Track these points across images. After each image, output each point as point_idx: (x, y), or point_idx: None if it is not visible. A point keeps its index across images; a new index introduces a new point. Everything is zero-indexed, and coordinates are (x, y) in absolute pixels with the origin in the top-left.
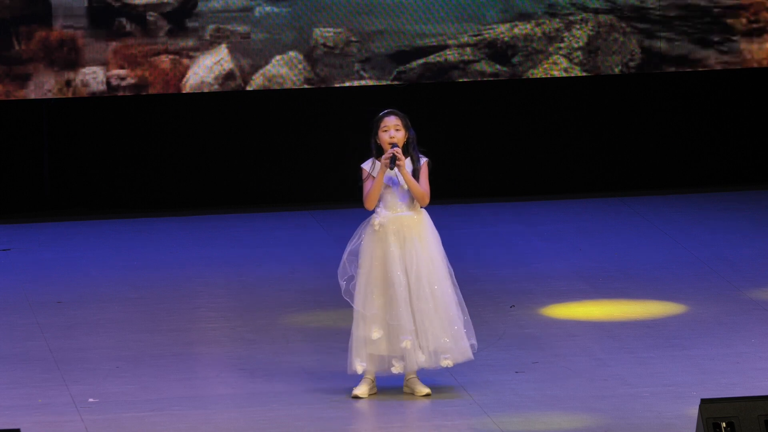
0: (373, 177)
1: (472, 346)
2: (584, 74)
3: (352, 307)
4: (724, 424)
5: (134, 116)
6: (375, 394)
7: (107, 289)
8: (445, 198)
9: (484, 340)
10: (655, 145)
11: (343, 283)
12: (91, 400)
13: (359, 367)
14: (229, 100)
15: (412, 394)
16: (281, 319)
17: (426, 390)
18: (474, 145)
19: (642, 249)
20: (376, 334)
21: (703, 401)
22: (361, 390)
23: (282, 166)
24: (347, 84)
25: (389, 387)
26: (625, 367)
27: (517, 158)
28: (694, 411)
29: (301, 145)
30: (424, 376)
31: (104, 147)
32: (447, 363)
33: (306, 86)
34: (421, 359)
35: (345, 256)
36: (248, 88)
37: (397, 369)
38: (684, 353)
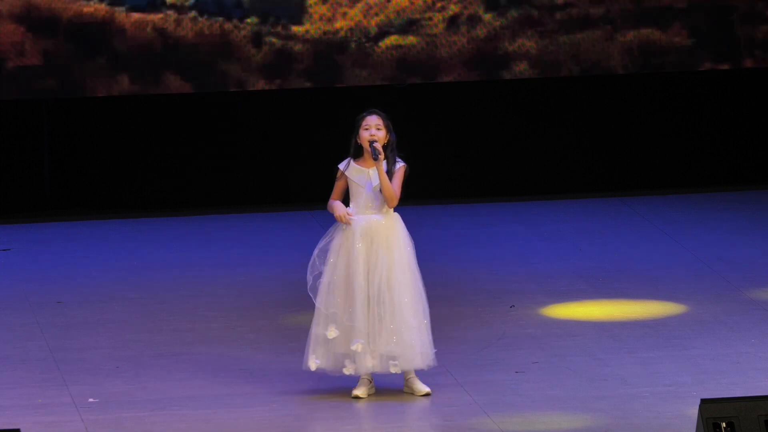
0: (346, 176)
1: (424, 354)
2: (584, 74)
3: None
4: (724, 424)
5: (134, 116)
6: (373, 393)
7: (107, 289)
8: (445, 198)
9: (484, 340)
10: (655, 145)
11: (310, 279)
12: (91, 400)
13: (313, 363)
14: (229, 100)
15: (412, 393)
16: (281, 319)
17: (426, 390)
18: (474, 145)
19: (642, 249)
20: (332, 333)
21: (703, 401)
22: (361, 390)
23: (282, 166)
24: (347, 84)
25: (389, 387)
26: (625, 367)
27: (517, 158)
28: (694, 411)
29: (301, 145)
30: (423, 376)
31: (104, 147)
32: (395, 369)
33: (306, 86)
34: (369, 364)
35: (315, 252)
36: (248, 88)
37: (348, 370)
38: (684, 353)
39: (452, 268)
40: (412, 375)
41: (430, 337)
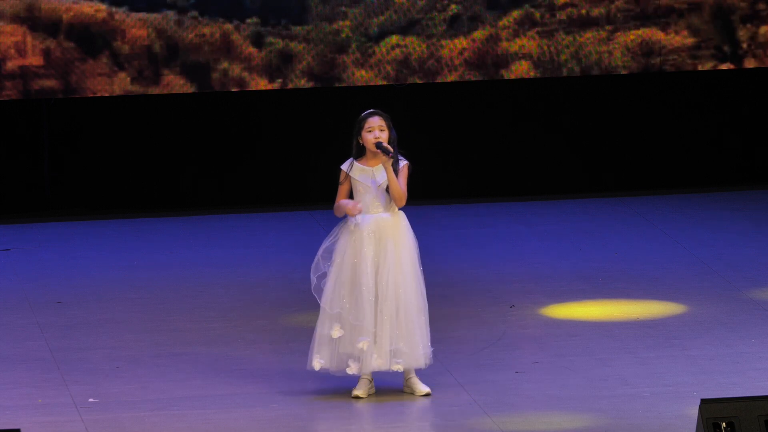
0: (350, 177)
1: (425, 354)
2: (585, 74)
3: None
4: (724, 424)
5: (134, 116)
6: (373, 393)
7: (107, 289)
8: (445, 198)
9: (484, 340)
10: (655, 145)
11: (314, 279)
12: (91, 400)
13: (317, 363)
14: (229, 100)
15: (412, 394)
16: (281, 319)
17: (426, 390)
18: (474, 145)
19: (642, 249)
20: (336, 332)
21: (703, 401)
22: (361, 390)
23: (282, 166)
24: (348, 84)
25: (389, 387)
26: (625, 367)
27: (517, 158)
28: (694, 411)
29: (301, 145)
30: (423, 376)
31: (104, 147)
32: (398, 367)
33: (307, 86)
34: (375, 363)
35: (320, 252)
36: (249, 88)
37: (352, 370)
38: (684, 353)
39: (452, 268)
40: (413, 375)
41: (429, 336)
